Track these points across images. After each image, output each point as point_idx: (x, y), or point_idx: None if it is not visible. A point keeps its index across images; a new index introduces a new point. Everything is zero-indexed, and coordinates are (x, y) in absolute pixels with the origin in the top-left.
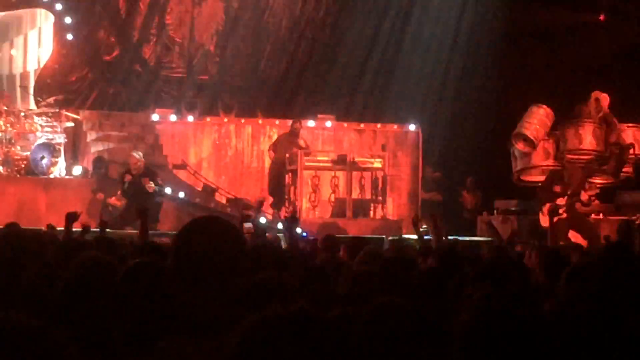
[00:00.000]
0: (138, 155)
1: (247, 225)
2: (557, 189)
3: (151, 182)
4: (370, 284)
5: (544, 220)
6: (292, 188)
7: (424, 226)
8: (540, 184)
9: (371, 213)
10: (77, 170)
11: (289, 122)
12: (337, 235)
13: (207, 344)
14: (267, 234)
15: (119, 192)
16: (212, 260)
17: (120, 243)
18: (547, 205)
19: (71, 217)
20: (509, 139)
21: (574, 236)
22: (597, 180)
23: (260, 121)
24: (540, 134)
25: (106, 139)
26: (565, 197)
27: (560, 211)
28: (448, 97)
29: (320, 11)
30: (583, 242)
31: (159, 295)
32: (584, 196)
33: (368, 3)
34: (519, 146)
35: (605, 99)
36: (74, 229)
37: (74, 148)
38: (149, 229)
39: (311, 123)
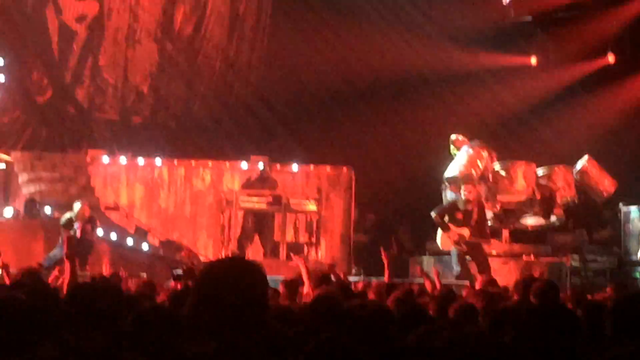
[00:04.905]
0: (84, 204)
1: (177, 271)
2: (459, 215)
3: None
4: None
5: (445, 244)
6: (226, 229)
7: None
8: (442, 208)
9: (305, 255)
10: (8, 212)
11: (222, 163)
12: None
13: None
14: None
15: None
16: (233, 309)
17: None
18: (450, 231)
19: None
20: (442, 181)
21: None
22: (528, 222)
23: (193, 162)
24: (472, 176)
25: (38, 181)
26: (469, 228)
27: (462, 242)
28: (380, 139)
29: (254, 53)
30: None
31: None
32: (494, 242)
33: (300, 45)
34: (452, 188)
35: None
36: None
37: (5, 190)
38: (81, 270)
39: (244, 164)
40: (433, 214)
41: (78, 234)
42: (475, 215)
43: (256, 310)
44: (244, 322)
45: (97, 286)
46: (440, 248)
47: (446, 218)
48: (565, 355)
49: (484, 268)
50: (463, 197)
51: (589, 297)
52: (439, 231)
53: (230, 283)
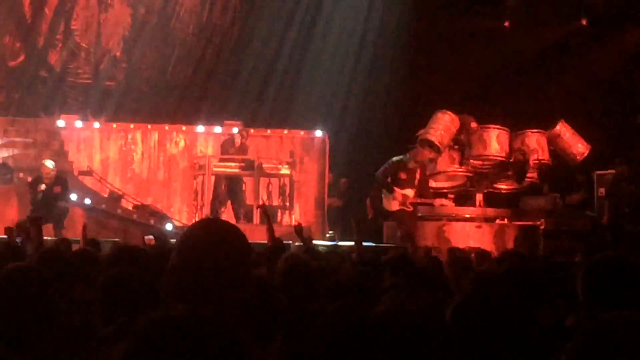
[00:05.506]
0: (50, 164)
1: (148, 237)
2: (403, 175)
3: None
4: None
5: (391, 205)
6: (200, 194)
7: (330, 232)
8: (386, 168)
9: (278, 219)
10: None
11: (195, 128)
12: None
13: None
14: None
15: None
16: (216, 271)
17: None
18: (395, 192)
19: None
20: (415, 144)
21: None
22: (502, 186)
23: (167, 127)
24: (446, 140)
25: (11, 145)
26: (413, 189)
27: (408, 203)
28: (354, 104)
29: (227, 17)
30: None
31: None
32: (437, 202)
33: (275, 9)
34: (425, 152)
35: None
36: None
37: None
38: (56, 235)
39: (218, 129)
40: (377, 175)
41: (42, 186)
42: (418, 176)
43: (239, 271)
44: (227, 285)
45: (66, 251)
46: (385, 209)
47: (389, 179)
48: (529, 321)
49: (411, 234)
50: (408, 155)
51: (561, 261)
52: (385, 192)
53: (214, 244)
